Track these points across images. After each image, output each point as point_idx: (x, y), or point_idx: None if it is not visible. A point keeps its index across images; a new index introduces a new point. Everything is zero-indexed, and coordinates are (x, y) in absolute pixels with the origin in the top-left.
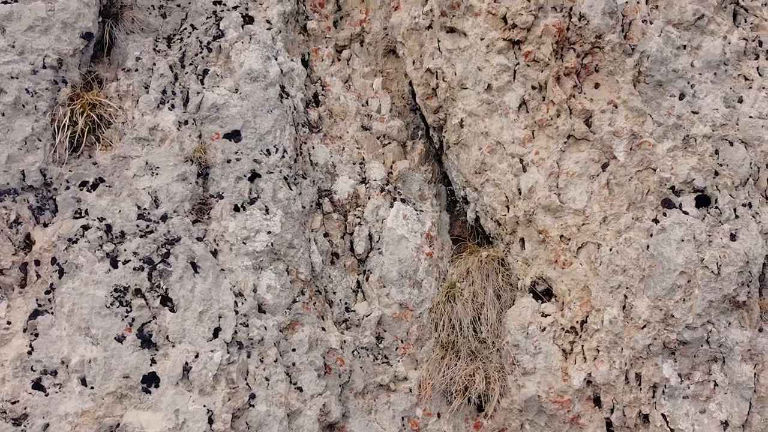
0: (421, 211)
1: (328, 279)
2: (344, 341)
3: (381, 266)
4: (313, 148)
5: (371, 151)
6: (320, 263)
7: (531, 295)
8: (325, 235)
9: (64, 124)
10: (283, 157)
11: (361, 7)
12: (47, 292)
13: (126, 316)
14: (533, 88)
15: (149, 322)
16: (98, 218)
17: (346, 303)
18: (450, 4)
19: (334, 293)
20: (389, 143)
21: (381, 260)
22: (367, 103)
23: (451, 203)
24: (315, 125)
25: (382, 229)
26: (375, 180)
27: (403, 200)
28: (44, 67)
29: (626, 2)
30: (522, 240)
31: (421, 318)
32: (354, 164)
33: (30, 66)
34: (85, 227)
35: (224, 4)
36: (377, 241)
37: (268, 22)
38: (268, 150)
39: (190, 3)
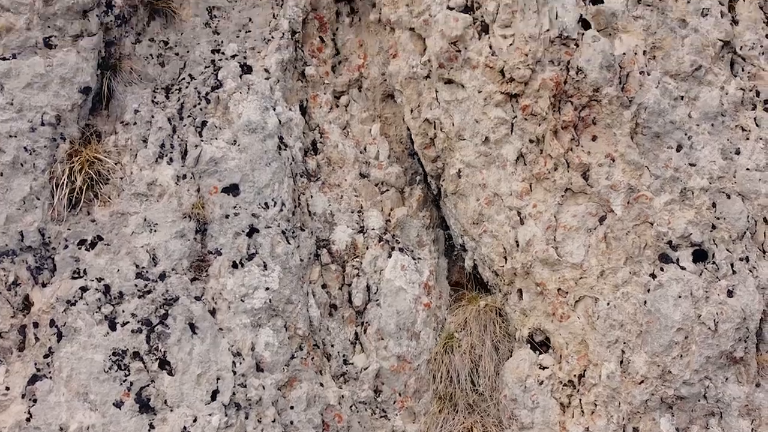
0: (419, 258)
1: (327, 331)
2: (342, 396)
3: (379, 318)
4: (312, 197)
5: (369, 198)
6: (318, 316)
7: (529, 346)
8: (323, 286)
9: (63, 182)
10: (282, 210)
11: (360, 52)
12: (46, 356)
13: (124, 381)
14: (531, 141)
15: (147, 386)
16: (97, 278)
17: (344, 355)
18: (448, 56)
19: (332, 346)
20: (387, 190)
21: (379, 312)
22: (365, 149)
23: (449, 247)
24: (313, 174)
25: (380, 281)
26: (373, 229)
27: (401, 249)
28: (43, 124)
29: (624, 54)
30: (520, 291)
31: (419, 370)
32: (352, 212)
33: (28, 123)
34: (84, 288)
35: (222, 53)
36: (375, 293)
37: (266, 71)
38: (266, 203)
39: (188, 52)
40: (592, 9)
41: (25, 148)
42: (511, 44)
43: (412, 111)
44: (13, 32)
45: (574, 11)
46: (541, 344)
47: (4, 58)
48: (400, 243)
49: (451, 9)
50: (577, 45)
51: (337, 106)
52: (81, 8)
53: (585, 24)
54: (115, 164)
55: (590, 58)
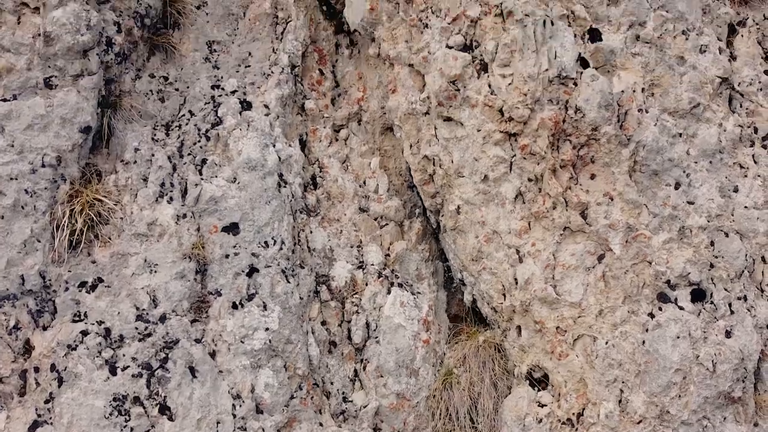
0: (418, 293)
1: (326, 369)
2: None
3: (378, 356)
4: (311, 232)
5: (369, 233)
6: (318, 354)
7: (527, 382)
8: (323, 323)
9: (64, 224)
10: (281, 248)
11: (359, 85)
12: (47, 402)
13: (125, 427)
14: (529, 180)
15: (148, 431)
16: (97, 321)
17: (343, 393)
18: (447, 95)
19: (332, 383)
20: (387, 224)
21: (378, 350)
22: (364, 183)
23: (449, 279)
24: (313, 209)
25: (379, 318)
26: (372, 264)
27: (400, 285)
28: (43, 165)
29: (622, 92)
30: (518, 327)
31: (419, 407)
32: (351, 247)
33: (29, 165)
34: (84, 332)
35: (222, 89)
36: (374, 330)
37: (266, 107)
38: (266, 242)
39: (188, 87)
40: (590, 47)
41: (26, 190)
42: (510, 83)
43: (411, 146)
44: (13, 73)
45: (572, 50)
46: (539, 380)
47: (4, 100)
48: (399, 278)
49: (450, 48)
50: (575, 84)
51: (337, 140)
52: (81, 48)
53: (583, 62)
54: (116, 204)
55: (589, 97)
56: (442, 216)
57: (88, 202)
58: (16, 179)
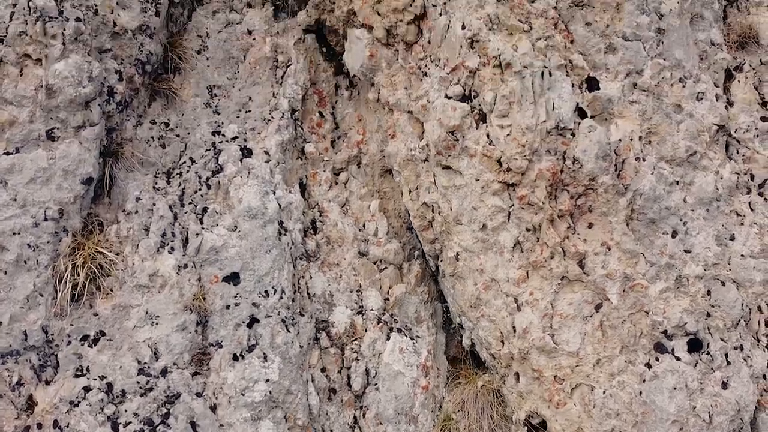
0: (417, 337)
1: (326, 416)
2: None
3: (377, 403)
4: (311, 277)
5: (368, 277)
6: (317, 403)
7: (525, 428)
8: (323, 369)
9: (66, 278)
10: (282, 297)
11: (359, 127)
12: None
13: None
14: (527, 229)
15: None
16: (99, 376)
17: None
18: (446, 144)
19: (332, 431)
20: (386, 268)
21: (378, 397)
22: (364, 226)
23: (447, 320)
24: (313, 254)
25: (378, 364)
26: (372, 309)
27: (399, 330)
28: (45, 219)
29: (620, 140)
30: (517, 374)
31: None
32: (351, 292)
33: (32, 219)
34: (87, 389)
35: (223, 135)
36: (374, 377)
37: (266, 153)
38: (266, 291)
39: (189, 133)
40: (588, 96)
41: (28, 244)
42: (508, 134)
43: (410, 192)
44: (16, 125)
45: (570, 100)
46: (537, 427)
47: (7, 153)
48: (398, 322)
49: (449, 98)
50: (573, 134)
51: (336, 183)
52: (83, 99)
53: (581, 112)
54: (117, 254)
55: (586, 148)
56: (441, 261)
57: (90, 255)
58: (19, 234)
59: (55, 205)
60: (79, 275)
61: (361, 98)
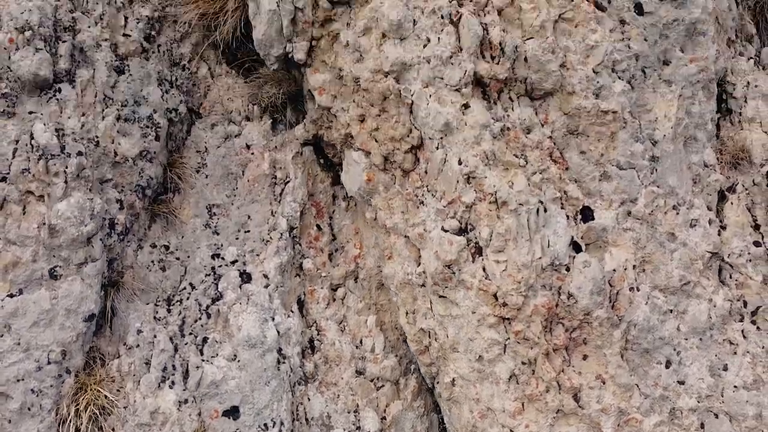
0: None
1: None
2: None
3: None
4: (309, 400)
5: (365, 396)
6: None
7: None
8: None
9: (69, 421)
10: (281, 430)
11: (356, 240)
12: None
13: None
14: (523, 363)
15: None
16: None
17: None
18: (442, 277)
19: None
20: (383, 386)
21: None
22: (361, 342)
23: (443, 430)
24: (311, 376)
25: None
26: None
27: None
28: (49, 363)
29: (614, 270)
30: None
31: None
32: (348, 413)
33: (35, 363)
34: None
35: (223, 258)
36: None
37: (265, 276)
38: (265, 425)
39: (189, 257)
40: (583, 227)
41: (32, 390)
42: (504, 270)
43: (407, 314)
44: (19, 266)
45: (565, 235)
46: None
47: (11, 295)
48: None
49: (446, 231)
50: (568, 269)
51: (334, 300)
52: (86, 237)
53: (576, 246)
54: (118, 391)
55: (581, 285)
56: (438, 383)
57: (92, 398)
58: (23, 380)
59: (57, 347)
60: (81, 419)
61: (358, 211)
